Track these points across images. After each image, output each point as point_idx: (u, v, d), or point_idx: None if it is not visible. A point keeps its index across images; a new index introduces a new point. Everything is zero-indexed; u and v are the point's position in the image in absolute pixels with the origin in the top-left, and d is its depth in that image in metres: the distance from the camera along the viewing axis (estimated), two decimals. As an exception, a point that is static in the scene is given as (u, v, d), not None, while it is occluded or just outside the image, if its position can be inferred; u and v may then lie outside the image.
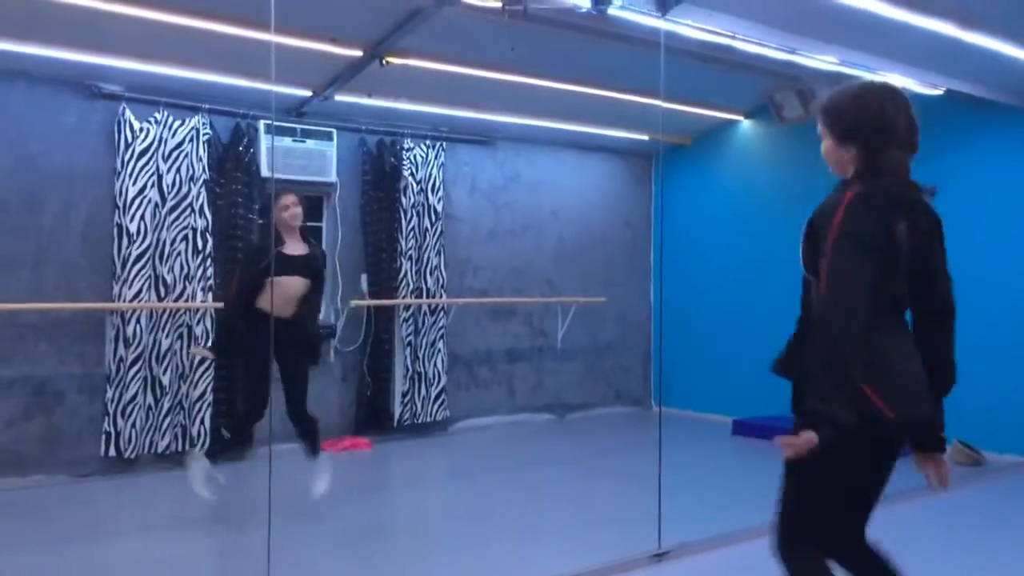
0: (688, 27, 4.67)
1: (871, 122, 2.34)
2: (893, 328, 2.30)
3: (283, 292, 4.80)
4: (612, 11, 4.40)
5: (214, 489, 4.85)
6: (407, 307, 7.31)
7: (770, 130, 8.05)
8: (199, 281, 6.24)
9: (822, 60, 5.50)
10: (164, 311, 6.15)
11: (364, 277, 7.18)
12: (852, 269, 2.18)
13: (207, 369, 6.26)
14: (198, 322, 6.25)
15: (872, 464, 2.37)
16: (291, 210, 4.95)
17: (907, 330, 2.36)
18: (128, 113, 6.00)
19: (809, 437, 2.12)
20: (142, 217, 6.02)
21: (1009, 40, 5.33)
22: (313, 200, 7.10)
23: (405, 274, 7.27)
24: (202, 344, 5.91)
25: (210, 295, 6.28)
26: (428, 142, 7.44)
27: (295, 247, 4.95)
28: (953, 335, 2.41)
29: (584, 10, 4.41)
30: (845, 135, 2.36)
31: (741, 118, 8.26)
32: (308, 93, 6.42)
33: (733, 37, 4.91)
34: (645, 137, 8.23)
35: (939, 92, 6.14)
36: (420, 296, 7.37)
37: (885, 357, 2.22)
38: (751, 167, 8.27)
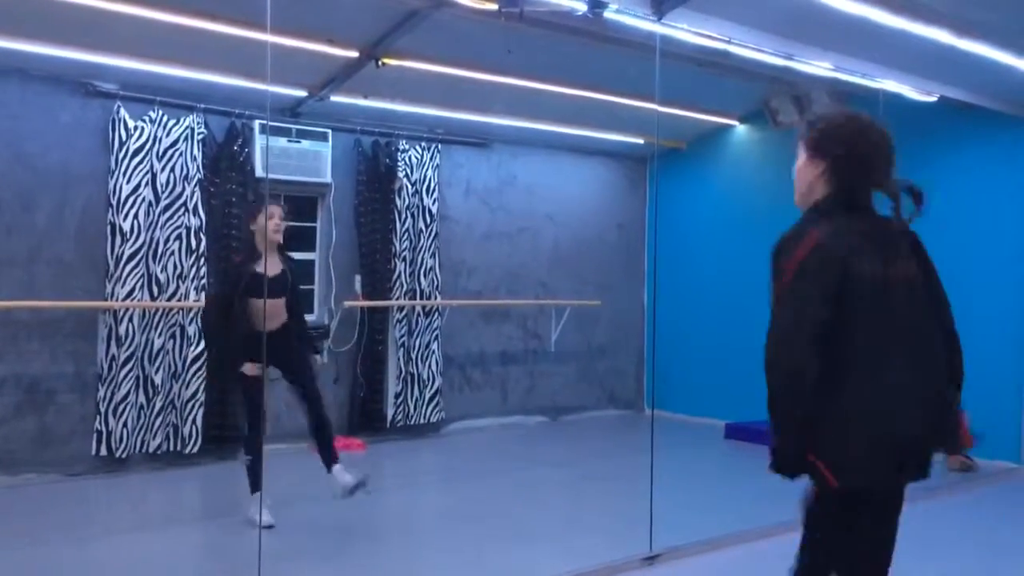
0: (684, 31, 4.68)
1: (848, 139, 2.24)
2: (869, 375, 2.11)
3: (267, 310, 4.67)
4: (608, 15, 4.41)
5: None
6: (401, 308, 7.31)
7: (765, 135, 8.06)
8: (192, 280, 6.22)
9: (818, 66, 5.51)
10: (157, 310, 6.13)
11: (358, 278, 7.17)
12: (801, 318, 2.08)
13: (199, 369, 6.24)
14: (191, 321, 6.23)
15: (858, 519, 2.21)
16: (277, 222, 4.78)
17: (899, 368, 2.14)
18: (123, 112, 5.98)
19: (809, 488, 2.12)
20: (136, 216, 6.01)
21: (1003, 48, 5.36)
22: (307, 201, 7.10)
23: (399, 275, 7.27)
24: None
25: (203, 294, 6.27)
26: (423, 143, 7.44)
27: (272, 264, 4.74)
28: (960, 356, 2.34)
29: (580, 13, 4.41)
30: (818, 147, 2.26)
31: (736, 123, 8.27)
32: (304, 93, 6.41)
33: (729, 42, 4.92)
34: (640, 141, 8.24)
35: (933, 99, 6.16)
36: (414, 297, 7.37)
37: (841, 414, 2.09)
38: (746, 172, 8.28)
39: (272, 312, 4.73)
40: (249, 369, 4.66)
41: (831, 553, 2.25)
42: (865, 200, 2.25)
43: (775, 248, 2.22)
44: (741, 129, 8.31)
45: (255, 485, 4.71)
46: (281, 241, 4.88)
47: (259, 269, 4.71)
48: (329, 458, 4.79)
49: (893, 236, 2.23)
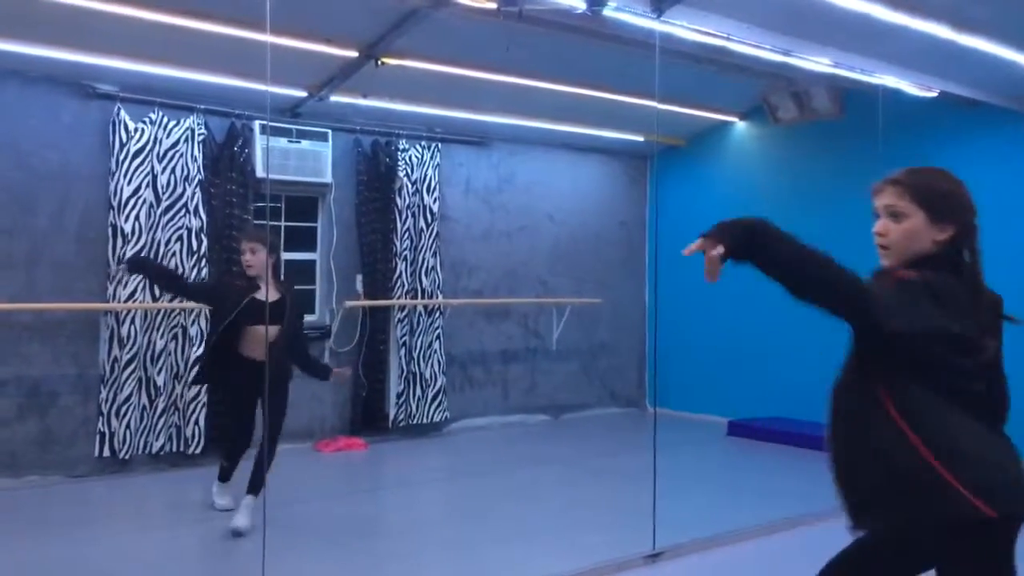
0: (683, 28, 4.68)
1: (971, 206, 2.21)
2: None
3: (256, 338, 4.75)
4: (607, 12, 4.41)
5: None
6: (402, 308, 7.31)
7: (765, 131, 8.07)
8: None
9: (817, 62, 5.51)
10: (159, 312, 6.13)
11: (359, 278, 7.17)
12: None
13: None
14: (192, 323, 6.24)
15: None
16: (245, 257, 4.76)
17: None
18: (123, 113, 5.98)
19: None
20: (137, 217, 6.01)
21: (1003, 43, 5.35)
22: (308, 201, 7.10)
23: (400, 275, 7.27)
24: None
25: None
26: (423, 143, 7.44)
27: (271, 291, 4.74)
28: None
29: (579, 11, 4.41)
30: (943, 214, 2.15)
31: (736, 119, 8.27)
32: (303, 94, 6.41)
33: (728, 38, 4.92)
34: (640, 138, 8.24)
35: (933, 94, 6.16)
36: (415, 297, 7.37)
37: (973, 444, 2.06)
38: (746, 168, 8.28)
39: (261, 339, 4.67)
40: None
41: None
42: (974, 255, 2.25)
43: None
44: (741, 126, 8.31)
45: (224, 477, 5.14)
46: (256, 274, 4.77)
47: (258, 297, 4.72)
48: (255, 483, 4.73)
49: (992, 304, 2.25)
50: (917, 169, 2.24)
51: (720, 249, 2.00)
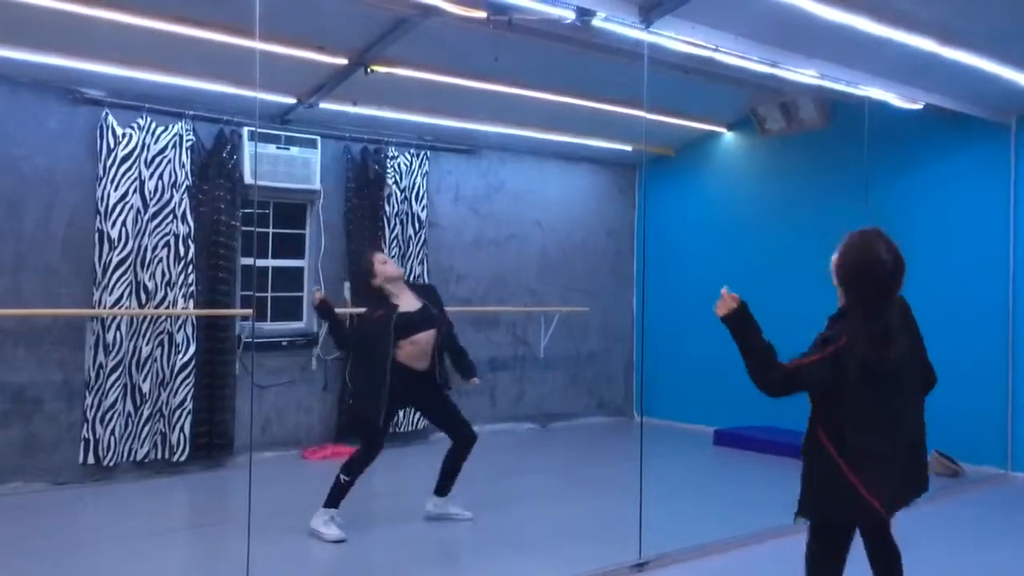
0: (671, 39, 4.71)
1: (858, 269, 2.89)
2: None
3: (419, 349, 4.83)
4: (596, 23, 4.43)
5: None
6: (390, 315, 7.29)
7: (752, 142, 8.12)
8: (181, 288, 6.20)
9: (804, 74, 5.55)
10: (145, 318, 6.11)
11: (347, 285, 7.16)
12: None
13: (187, 377, 6.22)
14: (179, 329, 6.21)
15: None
16: (385, 267, 4.89)
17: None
18: (111, 118, 5.97)
19: None
20: (124, 223, 5.99)
21: (987, 56, 5.41)
22: (296, 208, 7.10)
23: (388, 282, 7.25)
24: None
25: (191, 302, 6.25)
26: (412, 150, 7.44)
27: (408, 301, 4.87)
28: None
29: (568, 21, 4.43)
30: (842, 282, 2.93)
31: (724, 130, 8.32)
32: (293, 100, 6.41)
33: (716, 50, 4.95)
34: (629, 148, 8.27)
35: (919, 106, 6.21)
36: (403, 304, 7.35)
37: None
38: (734, 178, 8.33)
39: (422, 351, 4.83)
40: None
41: None
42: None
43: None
44: (729, 136, 8.36)
45: (333, 502, 4.76)
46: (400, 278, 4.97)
47: (403, 309, 4.80)
48: (443, 486, 5.09)
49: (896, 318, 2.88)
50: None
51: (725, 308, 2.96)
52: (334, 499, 4.76)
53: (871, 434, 2.82)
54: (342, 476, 4.77)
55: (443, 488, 5.10)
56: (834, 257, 2.93)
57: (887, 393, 2.82)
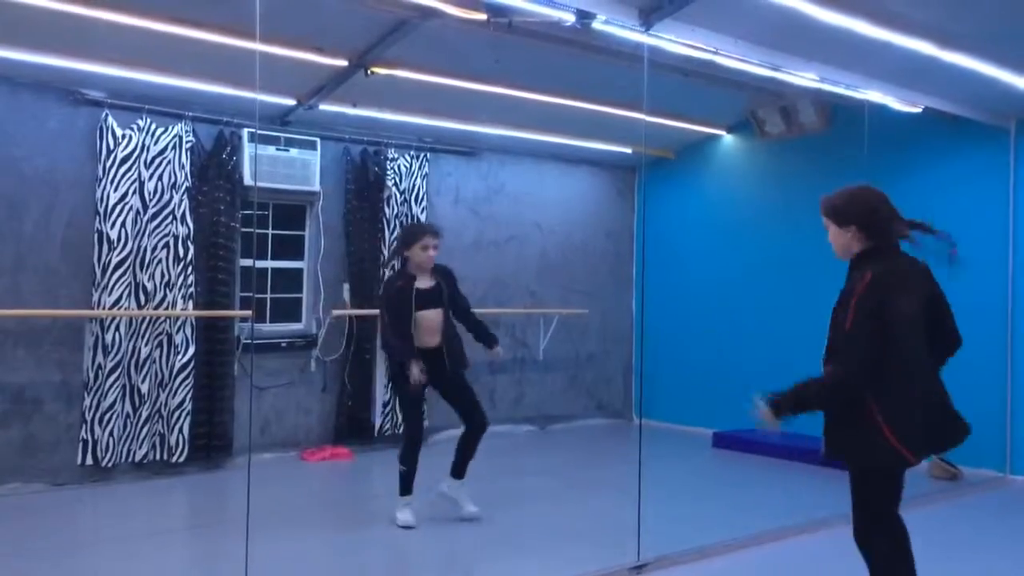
0: (671, 42, 4.71)
1: (867, 203, 3.12)
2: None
3: (427, 324, 5.05)
4: (596, 25, 4.44)
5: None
6: (389, 317, 7.29)
7: (752, 145, 8.12)
8: (180, 289, 6.20)
9: (803, 77, 5.56)
10: (144, 319, 6.11)
11: (346, 287, 7.16)
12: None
13: (186, 378, 6.22)
14: (178, 330, 6.21)
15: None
16: (432, 252, 5.05)
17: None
18: (111, 119, 5.97)
19: None
20: (123, 224, 5.99)
21: (986, 59, 5.42)
22: (296, 209, 7.10)
23: (388, 284, 7.26)
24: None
25: (190, 303, 6.25)
26: (412, 152, 7.45)
27: (424, 280, 5.11)
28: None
29: (568, 24, 4.44)
30: (843, 220, 3.13)
31: (723, 132, 8.32)
32: (292, 102, 6.42)
33: (716, 53, 4.96)
34: (628, 150, 8.27)
35: (918, 110, 6.22)
36: (402, 306, 7.35)
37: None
38: (733, 181, 8.33)
39: (430, 327, 5.05)
40: (415, 375, 4.89)
41: None
42: (887, 236, 3.10)
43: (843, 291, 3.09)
44: (728, 139, 8.36)
45: (405, 490, 5.06)
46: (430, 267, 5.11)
47: (419, 286, 5.05)
48: (458, 469, 5.21)
49: (917, 273, 3.11)
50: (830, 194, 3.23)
51: (774, 422, 3.14)
52: (403, 487, 5.06)
53: (901, 381, 2.95)
54: (400, 466, 5.08)
55: (457, 470, 5.22)
56: (836, 203, 3.16)
57: (912, 341, 2.97)
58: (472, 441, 5.21)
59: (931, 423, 3.03)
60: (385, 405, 7.26)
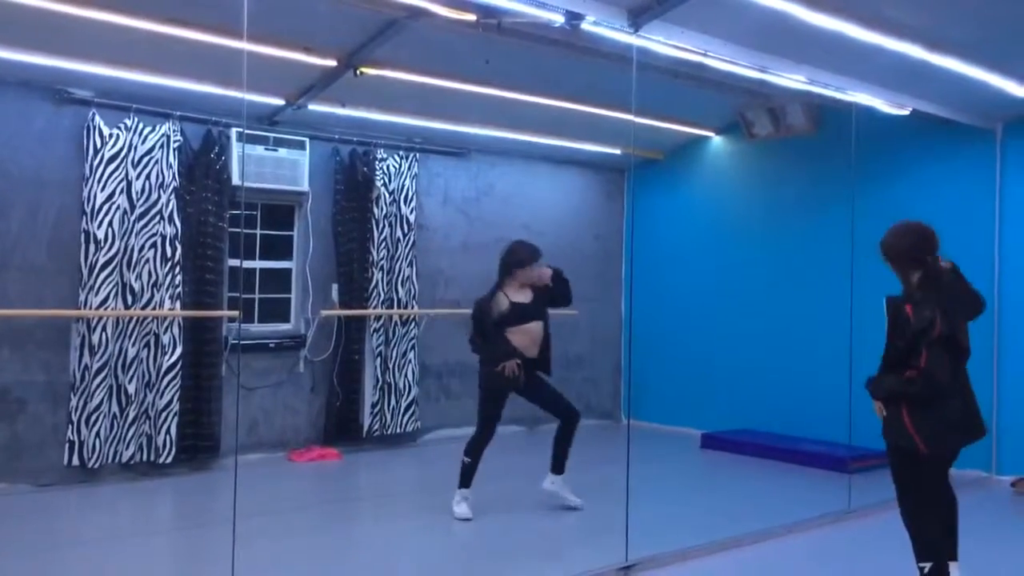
0: (660, 44, 4.72)
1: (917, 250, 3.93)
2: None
3: (533, 336, 5.35)
4: (585, 27, 4.44)
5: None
6: (378, 318, 7.29)
7: (741, 147, 8.14)
8: (167, 289, 6.17)
9: (792, 79, 5.58)
10: (131, 319, 6.08)
11: (335, 287, 7.15)
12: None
13: (174, 378, 6.19)
14: (165, 331, 6.18)
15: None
16: (533, 278, 5.34)
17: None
18: (98, 119, 5.94)
19: None
20: (110, 223, 5.96)
21: (974, 63, 5.45)
22: (284, 209, 7.08)
23: (376, 284, 7.25)
24: None
25: (178, 303, 6.22)
26: (401, 153, 7.44)
27: (523, 294, 5.37)
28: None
29: (558, 25, 4.44)
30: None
31: (712, 134, 8.34)
32: (281, 102, 6.40)
33: (704, 54, 4.97)
34: (618, 151, 8.29)
35: (906, 112, 6.25)
36: (391, 307, 7.35)
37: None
38: (722, 182, 8.35)
39: (535, 339, 5.38)
40: (511, 366, 5.18)
41: None
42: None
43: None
44: (717, 140, 8.38)
45: (465, 482, 5.22)
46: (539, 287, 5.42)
47: (516, 300, 5.31)
48: (557, 464, 5.48)
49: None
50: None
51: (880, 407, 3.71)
52: (463, 480, 5.22)
53: (931, 383, 3.57)
54: (464, 458, 5.25)
55: (557, 466, 5.46)
56: (903, 246, 3.91)
57: (944, 353, 3.62)
58: (568, 434, 5.45)
59: (950, 421, 3.62)
60: (373, 406, 7.25)
